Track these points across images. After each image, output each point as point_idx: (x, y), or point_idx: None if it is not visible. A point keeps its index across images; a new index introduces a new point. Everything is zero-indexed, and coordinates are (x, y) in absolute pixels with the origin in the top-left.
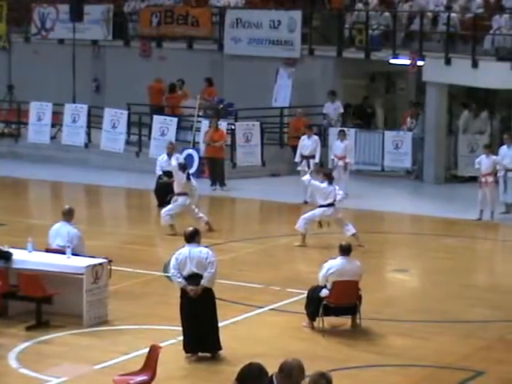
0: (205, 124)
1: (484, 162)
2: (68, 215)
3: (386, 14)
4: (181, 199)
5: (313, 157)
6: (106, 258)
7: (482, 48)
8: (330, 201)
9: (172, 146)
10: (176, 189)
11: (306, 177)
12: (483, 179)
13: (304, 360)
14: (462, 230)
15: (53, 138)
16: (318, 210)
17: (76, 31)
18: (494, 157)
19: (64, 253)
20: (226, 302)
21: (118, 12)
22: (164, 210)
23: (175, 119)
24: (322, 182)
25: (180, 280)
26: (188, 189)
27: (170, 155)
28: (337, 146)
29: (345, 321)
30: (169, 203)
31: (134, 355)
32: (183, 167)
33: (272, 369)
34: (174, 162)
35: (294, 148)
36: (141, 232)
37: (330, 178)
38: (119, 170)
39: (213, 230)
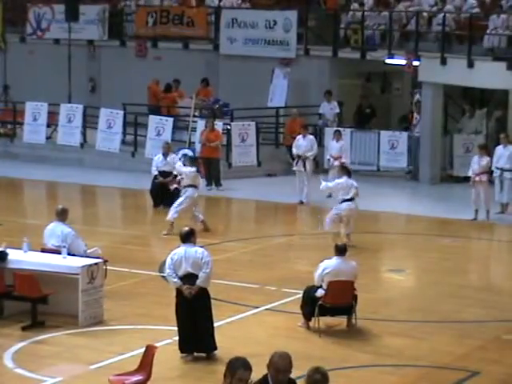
0: (200, 124)
1: (477, 162)
2: (62, 215)
3: (383, 13)
4: (190, 191)
5: (308, 157)
6: (101, 258)
7: (477, 48)
8: (351, 195)
9: (168, 146)
10: (185, 181)
11: (323, 184)
12: (477, 178)
13: (299, 360)
14: (457, 230)
15: (48, 138)
16: (343, 205)
17: (71, 31)
18: (487, 157)
19: (59, 253)
20: (221, 301)
21: (114, 12)
22: (175, 205)
23: (171, 119)
24: (340, 178)
25: (175, 280)
26: (197, 181)
27: (165, 155)
28: (332, 146)
29: (340, 321)
30: (166, 201)
31: (129, 355)
32: (193, 160)
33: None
34: (176, 159)
35: (290, 147)
36: (136, 232)
37: (348, 173)
38: (115, 170)
39: (208, 230)
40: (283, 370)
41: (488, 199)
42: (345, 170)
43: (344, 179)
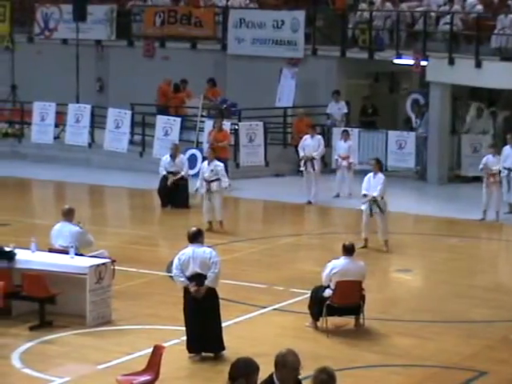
0: (208, 124)
1: (491, 162)
2: (68, 215)
3: (391, 12)
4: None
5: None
6: (109, 258)
7: (485, 48)
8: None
9: (176, 148)
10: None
11: (377, 192)
12: (491, 179)
13: (307, 360)
14: (465, 230)
15: (56, 137)
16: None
17: (79, 31)
18: (499, 156)
19: (67, 253)
20: (229, 301)
21: (122, 12)
22: (220, 206)
23: (179, 119)
24: (376, 174)
25: (183, 280)
26: None
27: (173, 156)
28: (340, 146)
29: (348, 321)
30: (174, 201)
31: (137, 355)
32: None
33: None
34: (185, 159)
35: (298, 147)
36: (144, 232)
37: (381, 168)
38: (123, 170)
39: (212, 231)
40: (298, 367)
41: (499, 199)
42: (380, 165)
43: (382, 175)
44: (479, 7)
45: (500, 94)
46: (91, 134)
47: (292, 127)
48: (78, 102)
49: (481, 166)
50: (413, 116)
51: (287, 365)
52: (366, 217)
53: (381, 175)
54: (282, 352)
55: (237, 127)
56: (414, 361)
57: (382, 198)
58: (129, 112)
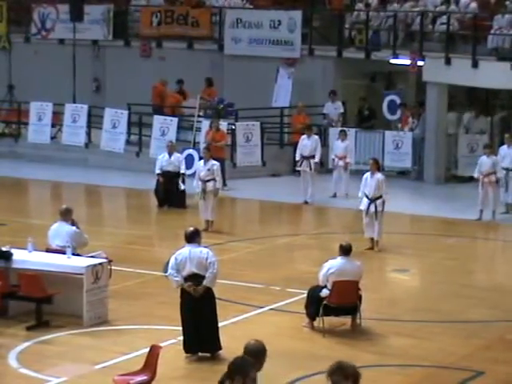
0: (205, 124)
1: (485, 162)
2: (66, 215)
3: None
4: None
5: (313, 157)
6: (106, 258)
7: (482, 48)
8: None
9: (171, 145)
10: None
11: (388, 195)
12: (486, 179)
13: (304, 360)
14: (462, 230)
15: (53, 137)
16: (378, 202)
17: (76, 31)
18: (495, 157)
19: (64, 253)
20: (226, 301)
21: (119, 12)
22: (214, 207)
23: (175, 119)
24: (374, 173)
25: (178, 279)
26: None
27: (170, 154)
28: (337, 146)
29: (345, 321)
30: (171, 201)
31: (134, 355)
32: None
33: None
34: (181, 158)
35: (296, 145)
36: (141, 232)
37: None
38: (119, 170)
39: (207, 231)
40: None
41: (495, 199)
42: (378, 164)
43: (380, 174)
44: (474, 5)
45: (497, 94)
46: (88, 134)
47: (290, 127)
48: (74, 102)
49: (476, 175)
50: (390, 117)
51: (265, 355)
52: (366, 217)
53: (379, 175)
54: (260, 344)
55: (233, 127)
56: (410, 361)
57: (381, 196)
58: (125, 112)
